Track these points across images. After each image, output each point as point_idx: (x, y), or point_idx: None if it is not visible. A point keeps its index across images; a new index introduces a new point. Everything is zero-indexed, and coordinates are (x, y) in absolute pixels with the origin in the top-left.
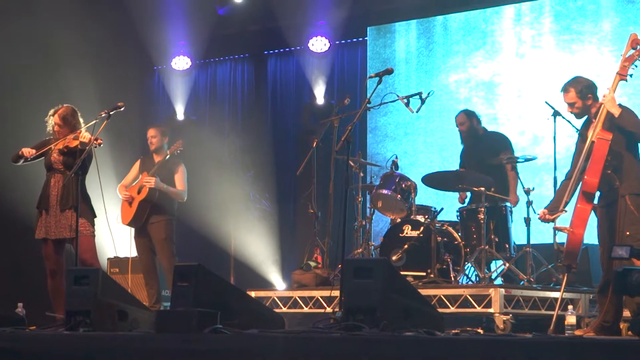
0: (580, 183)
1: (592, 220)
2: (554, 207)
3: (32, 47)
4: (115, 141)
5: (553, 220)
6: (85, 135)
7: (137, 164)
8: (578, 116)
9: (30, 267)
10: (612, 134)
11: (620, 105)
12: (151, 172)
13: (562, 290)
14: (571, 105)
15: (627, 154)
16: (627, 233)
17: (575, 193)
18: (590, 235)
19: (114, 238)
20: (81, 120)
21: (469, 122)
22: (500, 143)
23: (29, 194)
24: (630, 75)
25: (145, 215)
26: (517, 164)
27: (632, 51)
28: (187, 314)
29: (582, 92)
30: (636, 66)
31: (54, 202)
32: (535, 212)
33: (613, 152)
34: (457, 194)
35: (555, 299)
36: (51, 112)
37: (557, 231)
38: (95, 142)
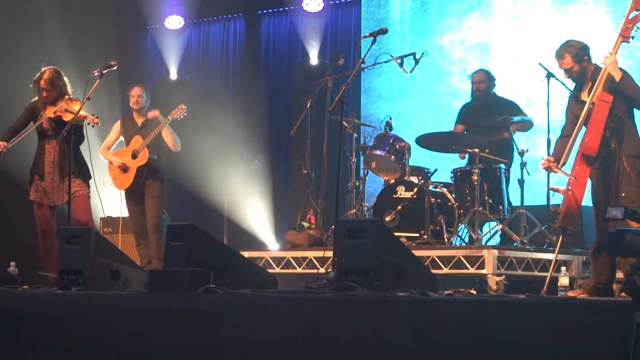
0: (579, 146)
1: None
2: (558, 159)
3: (20, 6)
4: (108, 100)
5: (555, 172)
6: (81, 114)
7: (118, 124)
8: (576, 80)
9: (23, 227)
10: (613, 97)
11: (620, 69)
12: (146, 142)
13: (556, 251)
14: (568, 70)
15: (626, 117)
16: (623, 194)
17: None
18: (584, 197)
19: (102, 200)
20: (66, 79)
21: (487, 84)
22: (509, 109)
23: (21, 155)
24: (632, 37)
25: (143, 178)
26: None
27: (636, 12)
28: (180, 273)
29: (577, 55)
30: (639, 28)
31: (49, 168)
32: (529, 174)
33: (612, 115)
34: (450, 155)
35: (548, 261)
36: (35, 77)
37: (553, 192)
38: (92, 120)
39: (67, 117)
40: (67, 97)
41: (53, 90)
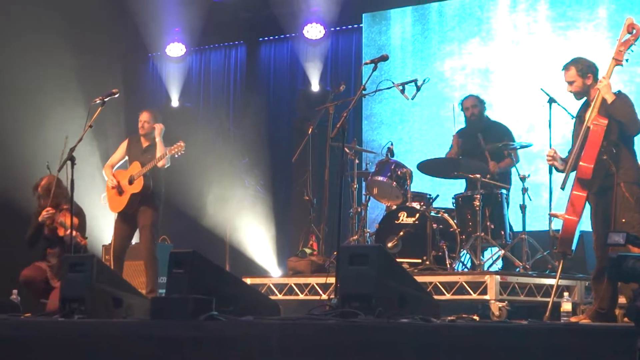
0: (576, 169)
1: (587, 207)
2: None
3: (24, 31)
4: (110, 127)
5: (555, 165)
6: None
7: (125, 144)
8: (577, 96)
9: (25, 255)
10: (608, 120)
11: (618, 92)
12: (142, 171)
13: (557, 277)
14: (570, 83)
15: (623, 142)
16: (623, 220)
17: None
18: (586, 222)
19: (104, 226)
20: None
21: (479, 107)
22: (503, 134)
23: (25, 186)
24: (627, 60)
25: (137, 204)
26: (515, 151)
27: (628, 35)
28: (183, 300)
29: (582, 70)
30: (632, 51)
31: (51, 271)
32: (530, 199)
33: (608, 138)
34: (452, 181)
35: (551, 286)
36: (35, 183)
37: (552, 217)
38: (80, 240)
39: (61, 232)
40: (65, 207)
41: (48, 197)
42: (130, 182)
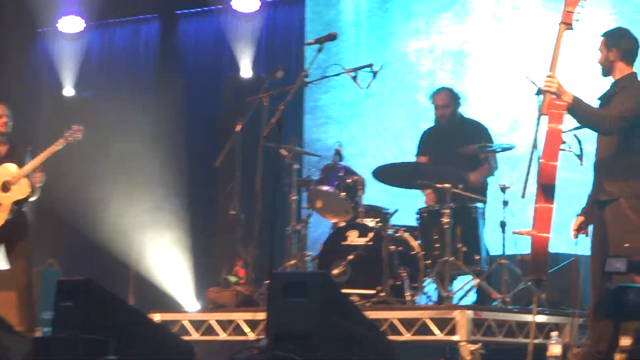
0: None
1: (567, 224)
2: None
3: None
4: None
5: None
6: None
7: None
8: (602, 71)
9: None
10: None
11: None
12: (24, 172)
13: (534, 311)
14: (599, 49)
15: (617, 142)
16: (626, 245)
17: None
18: (582, 244)
19: None
20: None
21: (451, 108)
22: (479, 135)
23: None
24: (577, 20)
25: (14, 215)
26: (493, 155)
27: None
28: (71, 341)
29: (612, 41)
30: (582, 7)
31: None
32: (512, 215)
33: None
34: (415, 192)
35: (537, 324)
36: None
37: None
38: None
39: None
40: None
41: None
42: (5, 188)
